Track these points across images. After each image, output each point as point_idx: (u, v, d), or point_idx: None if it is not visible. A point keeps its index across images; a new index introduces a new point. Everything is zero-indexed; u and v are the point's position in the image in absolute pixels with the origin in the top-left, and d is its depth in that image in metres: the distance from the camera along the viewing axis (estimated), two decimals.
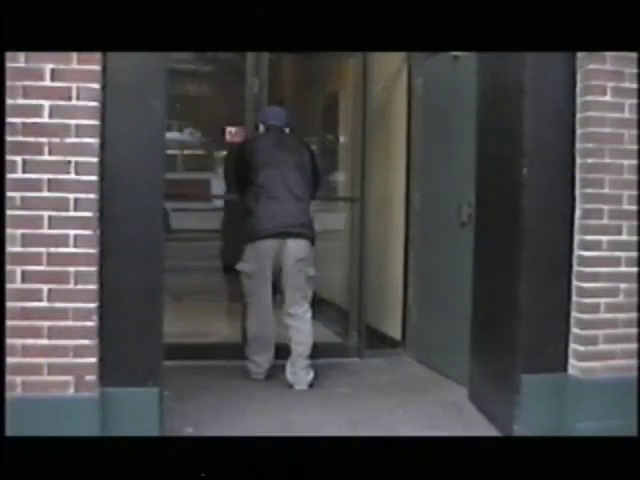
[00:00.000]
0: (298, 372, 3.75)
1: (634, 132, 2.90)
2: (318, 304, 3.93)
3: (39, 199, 2.51)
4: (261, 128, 3.98)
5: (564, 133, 2.96)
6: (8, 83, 2.44)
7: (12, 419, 2.30)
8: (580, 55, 2.93)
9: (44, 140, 2.50)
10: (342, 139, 5.35)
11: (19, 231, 2.49)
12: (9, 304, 2.43)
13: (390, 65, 4.57)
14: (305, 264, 3.76)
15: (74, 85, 2.51)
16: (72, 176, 2.52)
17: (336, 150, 5.42)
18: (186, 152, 7.63)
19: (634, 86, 2.89)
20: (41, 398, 2.52)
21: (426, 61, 4.27)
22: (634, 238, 2.92)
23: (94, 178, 2.55)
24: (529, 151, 2.94)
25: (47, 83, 2.50)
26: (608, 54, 2.87)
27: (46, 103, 2.50)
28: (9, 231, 2.46)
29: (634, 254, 2.92)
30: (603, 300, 2.93)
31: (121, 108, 2.63)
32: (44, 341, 2.52)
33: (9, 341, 2.43)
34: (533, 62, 2.91)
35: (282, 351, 3.87)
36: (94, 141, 2.54)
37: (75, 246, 2.53)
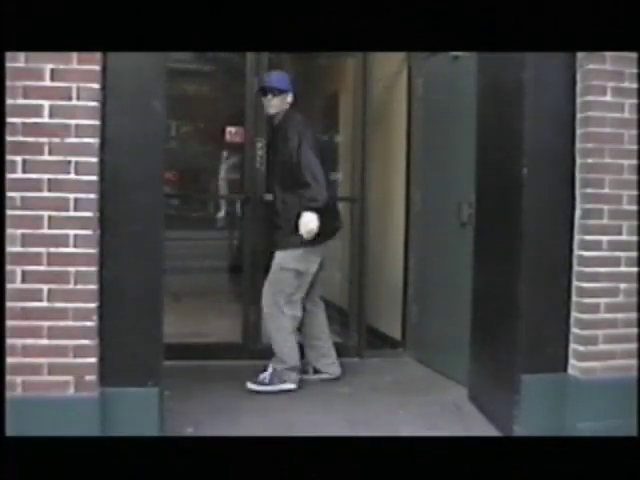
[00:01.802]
0: (336, 361, 3.87)
1: (634, 132, 2.91)
2: None
3: (39, 199, 2.51)
4: (292, 99, 3.76)
5: (564, 133, 2.96)
6: (8, 83, 2.44)
7: (12, 419, 2.30)
8: (580, 55, 2.93)
9: (44, 140, 2.51)
10: (342, 139, 5.35)
11: (19, 231, 2.50)
12: (9, 304, 2.43)
13: (390, 65, 4.56)
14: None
15: (74, 85, 2.52)
16: (72, 176, 2.52)
17: (336, 150, 5.42)
18: None
19: (634, 86, 2.90)
20: (41, 398, 2.52)
21: (426, 61, 4.27)
22: (634, 238, 2.92)
23: (94, 178, 2.56)
24: (529, 151, 2.94)
25: (47, 83, 2.50)
26: (608, 54, 2.87)
27: (46, 103, 2.50)
28: (9, 231, 2.47)
29: (634, 254, 2.93)
30: (603, 300, 2.93)
31: (121, 108, 2.64)
32: (44, 341, 2.53)
33: (9, 341, 2.43)
34: (533, 62, 2.91)
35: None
36: (94, 141, 2.55)
37: (75, 246, 2.54)
